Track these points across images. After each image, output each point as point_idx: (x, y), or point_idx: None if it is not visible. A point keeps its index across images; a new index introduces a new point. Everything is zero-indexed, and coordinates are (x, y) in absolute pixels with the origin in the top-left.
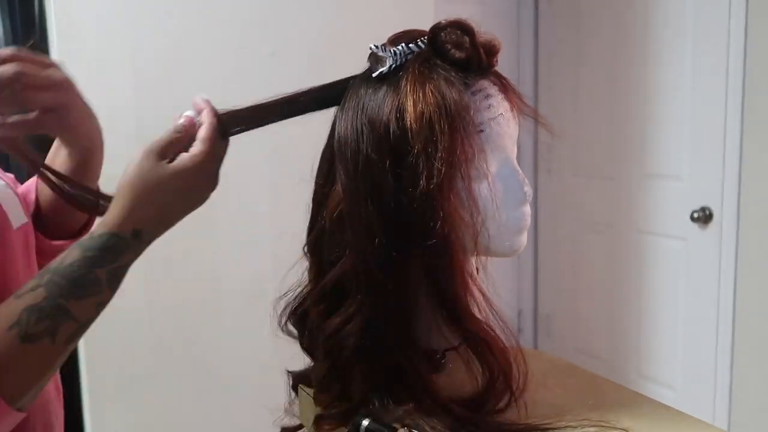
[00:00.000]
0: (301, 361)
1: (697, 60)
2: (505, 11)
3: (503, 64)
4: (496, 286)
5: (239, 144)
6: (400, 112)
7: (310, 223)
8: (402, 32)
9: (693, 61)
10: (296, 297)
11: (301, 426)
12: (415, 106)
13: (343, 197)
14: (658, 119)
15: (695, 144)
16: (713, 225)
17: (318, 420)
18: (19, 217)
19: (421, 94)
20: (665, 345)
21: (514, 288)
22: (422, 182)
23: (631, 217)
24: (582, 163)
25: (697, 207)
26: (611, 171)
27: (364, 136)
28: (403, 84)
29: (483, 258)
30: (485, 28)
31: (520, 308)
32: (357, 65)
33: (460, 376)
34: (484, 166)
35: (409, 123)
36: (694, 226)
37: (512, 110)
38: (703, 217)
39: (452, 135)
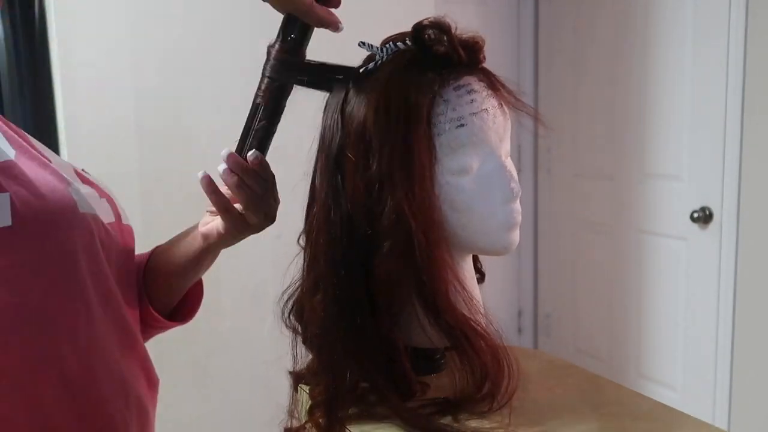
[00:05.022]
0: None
1: (697, 60)
2: (505, 11)
3: (504, 64)
4: (495, 285)
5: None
6: (364, 103)
7: (305, 216)
8: (396, 34)
9: (693, 60)
10: (295, 290)
11: (303, 426)
12: (376, 97)
13: (317, 189)
14: (658, 119)
15: (695, 144)
16: (713, 225)
17: (310, 410)
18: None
19: (383, 88)
20: (665, 345)
21: (514, 288)
22: (373, 168)
23: (631, 217)
24: (582, 163)
25: (697, 207)
26: (611, 171)
27: (336, 130)
28: (375, 79)
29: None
30: (485, 28)
31: (520, 308)
32: (356, 65)
33: (457, 377)
34: (466, 160)
35: (366, 112)
36: (694, 226)
37: (500, 107)
38: (703, 217)
39: (406, 131)
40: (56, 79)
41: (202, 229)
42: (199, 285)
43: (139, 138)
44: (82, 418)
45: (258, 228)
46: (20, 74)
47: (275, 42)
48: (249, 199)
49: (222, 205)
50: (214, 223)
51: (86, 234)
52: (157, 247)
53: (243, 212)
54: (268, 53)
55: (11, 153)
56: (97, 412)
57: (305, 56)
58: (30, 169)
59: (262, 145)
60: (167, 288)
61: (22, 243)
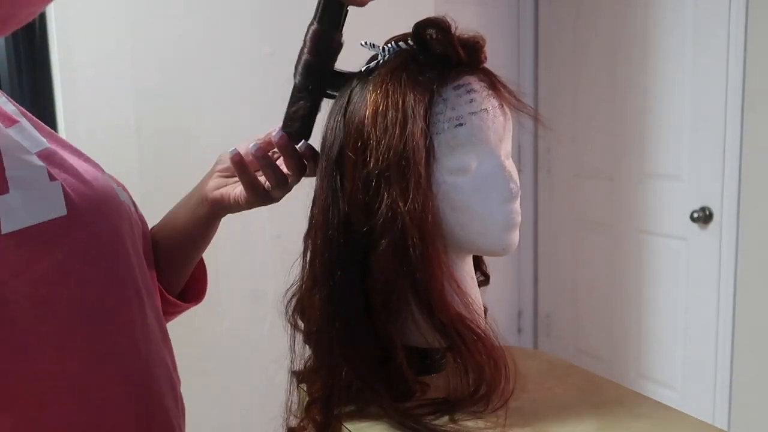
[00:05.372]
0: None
1: (697, 60)
2: (505, 11)
3: (504, 64)
4: (495, 285)
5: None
6: (364, 101)
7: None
8: (399, 35)
9: (693, 61)
10: (298, 288)
11: (303, 427)
12: (375, 96)
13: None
14: (658, 119)
15: (695, 144)
16: (713, 225)
17: (307, 407)
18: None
19: (381, 87)
20: (665, 345)
21: (514, 288)
22: (370, 166)
23: (631, 217)
24: (582, 163)
25: (697, 207)
26: (611, 171)
27: (337, 132)
28: (375, 78)
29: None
30: (485, 28)
31: (520, 308)
32: (355, 66)
33: (457, 377)
34: (464, 159)
35: (365, 111)
36: (694, 226)
37: (501, 107)
38: (703, 217)
39: (403, 128)
40: (56, 80)
41: (214, 193)
42: (200, 263)
43: (139, 138)
44: (141, 417)
45: (278, 200)
46: (20, 74)
47: (312, 22)
48: (281, 180)
49: (250, 182)
50: (228, 189)
51: (128, 222)
52: (153, 228)
53: (269, 189)
54: (307, 32)
55: (44, 141)
56: (155, 410)
57: (341, 41)
58: (68, 156)
59: (307, 129)
60: (174, 266)
61: (77, 233)
